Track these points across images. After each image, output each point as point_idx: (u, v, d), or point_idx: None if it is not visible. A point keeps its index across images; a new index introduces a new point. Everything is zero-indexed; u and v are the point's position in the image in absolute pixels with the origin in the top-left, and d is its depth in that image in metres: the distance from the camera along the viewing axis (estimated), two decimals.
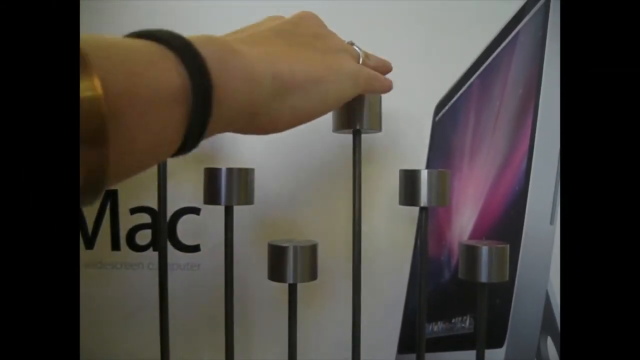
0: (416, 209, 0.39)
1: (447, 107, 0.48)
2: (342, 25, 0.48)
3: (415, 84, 0.48)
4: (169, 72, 0.20)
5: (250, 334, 0.49)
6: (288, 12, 0.48)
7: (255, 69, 0.23)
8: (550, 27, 0.47)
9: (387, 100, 0.39)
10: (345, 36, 0.48)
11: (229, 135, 0.48)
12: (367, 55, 0.35)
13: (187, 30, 0.50)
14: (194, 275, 0.49)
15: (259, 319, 0.49)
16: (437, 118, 0.48)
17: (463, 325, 0.48)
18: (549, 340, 0.47)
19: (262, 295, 0.49)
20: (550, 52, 0.47)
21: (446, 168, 0.48)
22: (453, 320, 0.48)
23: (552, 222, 0.47)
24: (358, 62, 0.33)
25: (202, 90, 0.20)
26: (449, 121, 0.48)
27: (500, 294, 0.47)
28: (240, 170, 0.38)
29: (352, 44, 0.35)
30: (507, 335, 0.47)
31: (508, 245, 0.37)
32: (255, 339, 0.49)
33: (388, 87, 0.35)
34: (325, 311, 0.49)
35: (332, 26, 0.48)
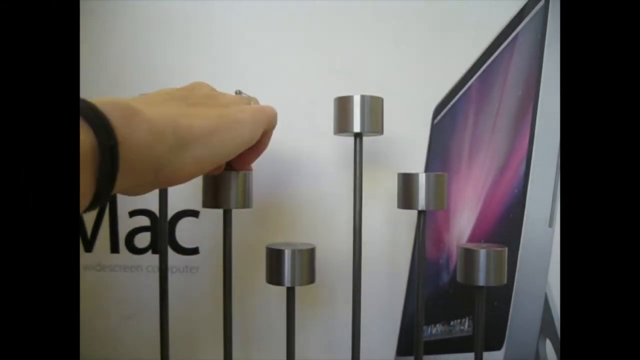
0: (415, 212, 0.39)
1: (446, 110, 0.48)
2: (341, 26, 0.48)
3: (414, 85, 0.48)
4: None
5: (248, 336, 0.49)
6: (289, 12, 0.48)
7: (157, 125, 0.25)
8: (549, 29, 0.47)
9: (386, 103, 0.39)
10: (343, 37, 0.48)
11: None
12: (255, 101, 0.38)
13: (187, 31, 0.50)
14: (192, 278, 0.49)
15: (257, 321, 0.49)
16: (435, 120, 0.48)
17: (462, 327, 0.48)
18: (548, 343, 0.47)
19: (260, 298, 0.49)
20: (549, 54, 0.47)
21: (445, 170, 0.48)
22: (452, 323, 0.48)
23: (550, 224, 0.47)
24: (251, 111, 0.34)
25: (108, 147, 0.22)
26: (448, 123, 0.48)
27: (499, 297, 0.47)
28: (238, 173, 0.38)
29: (239, 92, 0.38)
30: (506, 338, 0.47)
31: (506, 249, 0.37)
32: (254, 341, 0.49)
33: (275, 118, 0.38)
34: (324, 314, 0.49)
35: (330, 27, 0.49)
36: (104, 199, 0.23)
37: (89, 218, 0.48)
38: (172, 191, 0.42)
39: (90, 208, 0.23)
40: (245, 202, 0.38)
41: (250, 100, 0.37)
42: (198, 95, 0.32)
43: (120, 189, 0.24)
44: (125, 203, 0.48)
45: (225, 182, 0.37)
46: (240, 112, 0.32)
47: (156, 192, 0.41)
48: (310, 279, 0.37)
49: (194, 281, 0.49)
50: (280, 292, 0.38)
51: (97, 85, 0.48)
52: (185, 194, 0.48)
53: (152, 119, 0.25)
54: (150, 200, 0.48)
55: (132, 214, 0.48)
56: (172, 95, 0.30)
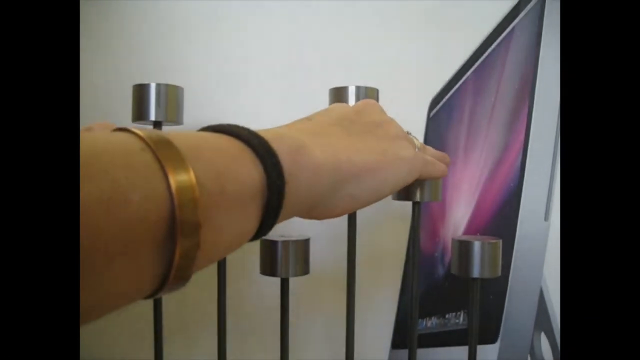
0: (411, 206, 0.39)
1: (441, 103, 0.48)
2: (337, 18, 0.48)
3: (410, 78, 0.48)
4: (249, 170, 0.21)
5: (243, 330, 0.49)
6: (286, 4, 0.48)
7: (318, 163, 0.24)
8: (546, 23, 0.47)
9: (382, 95, 0.39)
10: (339, 29, 0.48)
11: None
12: (423, 148, 0.34)
13: (183, 34, 0.49)
14: None
15: (252, 315, 0.49)
16: (431, 113, 0.48)
17: (457, 321, 0.48)
18: (543, 336, 0.47)
19: (255, 291, 0.49)
20: (546, 47, 0.47)
21: None
22: (447, 316, 0.48)
23: (546, 218, 0.47)
24: (415, 150, 0.32)
25: (276, 186, 0.22)
26: (444, 117, 0.48)
27: (494, 290, 0.47)
28: None
29: (409, 133, 0.34)
30: (501, 331, 0.47)
31: (500, 241, 0.37)
32: (249, 334, 0.49)
33: (443, 173, 0.35)
34: (319, 307, 0.49)
35: (327, 19, 0.48)
36: (265, 232, 0.23)
37: None
38: None
39: (251, 240, 0.23)
40: None
41: (414, 142, 0.33)
42: (366, 121, 0.30)
43: (278, 222, 0.24)
44: None
45: None
46: (405, 150, 0.30)
47: None
48: (305, 270, 0.37)
49: None
50: (275, 285, 0.38)
51: (97, 75, 0.48)
52: None
53: (316, 157, 0.24)
54: None
55: None
56: (339, 119, 0.29)
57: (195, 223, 0.18)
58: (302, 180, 0.23)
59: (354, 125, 0.29)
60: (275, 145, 0.22)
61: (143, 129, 0.18)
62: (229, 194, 0.20)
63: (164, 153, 0.18)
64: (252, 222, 0.22)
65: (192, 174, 0.18)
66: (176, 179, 0.17)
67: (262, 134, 0.22)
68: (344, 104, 0.31)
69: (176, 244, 0.18)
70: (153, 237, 0.17)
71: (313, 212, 0.26)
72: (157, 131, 0.19)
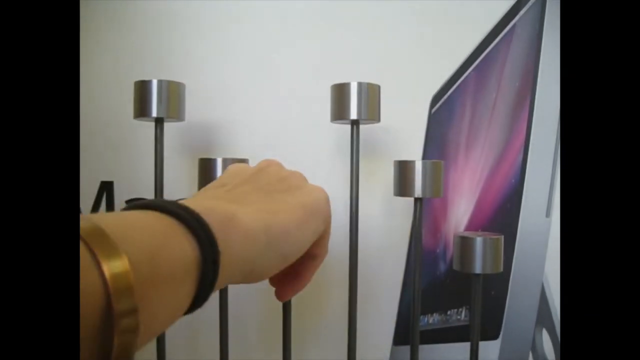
0: (412, 202, 0.39)
1: (443, 100, 0.48)
2: (339, 15, 0.48)
3: (412, 75, 0.48)
4: (183, 246, 0.21)
5: (245, 329, 0.49)
6: (289, 10, 0.48)
7: (251, 230, 0.25)
8: (547, 20, 0.47)
9: (383, 92, 0.39)
10: (341, 26, 0.48)
11: (224, 128, 0.48)
12: None
13: (185, 30, 0.49)
14: None
15: (254, 313, 0.49)
16: (433, 110, 0.48)
17: (458, 317, 0.48)
18: (544, 332, 0.47)
19: (257, 290, 0.49)
20: (547, 44, 0.47)
21: (442, 160, 0.48)
22: (449, 312, 0.48)
23: (548, 214, 0.47)
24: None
25: (211, 259, 0.22)
26: (445, 113, 0.48)
27: (496, 286, 0.47)
28: (234, 160, 0.38)
29: None
30: (503, 327, 0.47)
31: (502, 237, 0.37)
32: (251, 334, 0.49)
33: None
34: (321, 304, 0.49)
35: (328, 16, 0.48)
36: (200, 305, 0.23)
37: (85, 208, 0.48)
38: (168, 182, 0.41)
39: (187, 313, 0.23)
40: None
41: None
42: (274, 179, 0.30)
43: (213, 292, 0.24)
44: (122, 192, 0.48)
45: (222, 169, 0.37)
46: (314, 194, 0.31)
47: (152, 183, 0.41)
48: None
49: None
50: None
51: (97, 71, 0.48)
52: (181, 186, 0.48)
53: (246, 224, 0.25)
54: (147, 191, 0.48)
55: (129, 202, 0.48)
56: (251, 184, 0.29)
57: (132, 310, 0.18)
58: (236, 248, 0.24)
59: (266, 186, 0.29)
60: (207, 217, 0.22)
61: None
62: (164, 274, 0.20)
63: (96, 241, 0.18)
64: (186, 297, 0.22)
65: (125, 261, 0.18)
66: (110, 267, 0.17)
67: (193, 208, 0.22)
68: (240, 166, 0.32)
69: (113, 334, 0.17)
70: (88, 330, 0.17)
71: (248, 277, 0.27)
72: (89, 218, 0.19)
